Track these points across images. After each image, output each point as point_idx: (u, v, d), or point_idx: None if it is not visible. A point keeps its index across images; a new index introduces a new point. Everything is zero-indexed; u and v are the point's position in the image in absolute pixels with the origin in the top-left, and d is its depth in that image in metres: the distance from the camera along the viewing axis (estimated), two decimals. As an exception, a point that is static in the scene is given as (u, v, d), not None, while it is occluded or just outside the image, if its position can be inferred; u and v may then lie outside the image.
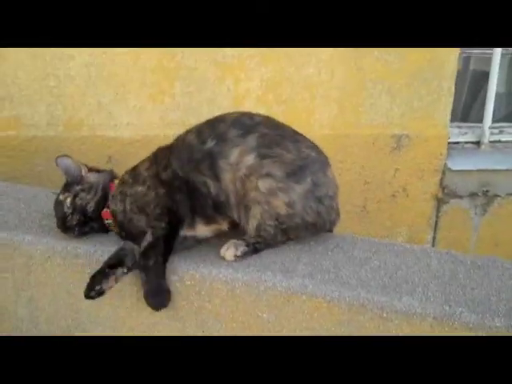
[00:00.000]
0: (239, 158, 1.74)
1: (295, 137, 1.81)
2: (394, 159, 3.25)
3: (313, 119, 3.13)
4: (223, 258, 1.78)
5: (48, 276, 1.87)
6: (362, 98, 3.13)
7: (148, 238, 1.76)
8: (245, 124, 1.78)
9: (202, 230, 1.85)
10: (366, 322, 1.64)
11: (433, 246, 3.42)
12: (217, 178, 1.76)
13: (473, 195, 3.36)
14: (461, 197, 3.36)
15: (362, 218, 3.33)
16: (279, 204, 1.73)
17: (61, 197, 1.87)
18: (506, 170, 3.34)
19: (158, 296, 1.70)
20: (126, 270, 1.77)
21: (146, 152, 1.95)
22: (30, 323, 1.94)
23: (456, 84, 3.16)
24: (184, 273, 1.75)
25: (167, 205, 1.79)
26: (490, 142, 3.49)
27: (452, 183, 3.31)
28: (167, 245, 1.75)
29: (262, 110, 2.97)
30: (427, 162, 3.27)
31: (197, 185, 1.78)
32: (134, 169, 1.90)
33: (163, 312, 1.78)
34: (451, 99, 3.18)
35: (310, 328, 1.69)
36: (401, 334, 1.62)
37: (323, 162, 1.82)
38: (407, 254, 1.85)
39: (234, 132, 1.76)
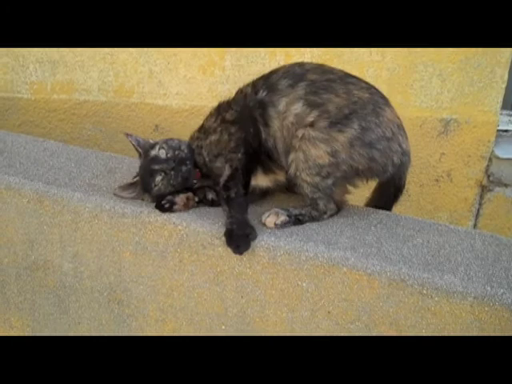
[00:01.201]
0: (287, 106, 1.77)
1: (346, 79, 1.79)
2: (440, 143, 3.20)
3: (361, 98, 3.10)
4: (264, 225, 1.80)
5: (94, 233, 1.91)
6: (412, 80, 3.09)
7: (226, 171, 1.81)
8: (295, 73, 1.80)
9: (262, 179, 1.89)
10: (405, 297, 1.65)
11: (474, 233, 3.37)
12: (267, 125, 1.80)
13: (518, 184, 3.30)
14: (506, 185, 3.30)
15: (403, 201, 3.27)
16: (320, 154, 1.72)
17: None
18: (554, 161, 3.27)
19: (242, 238, 1.71)
20: (197, 199, 1.87)
21: (192, 122, 1.99)
22: (74, 278, 2.00)
23: (509, 72, 3.10)
24: (227, 238, 1.77)
25: (241, 137, 1.83)
26: (540, 131, 3.41)
27: (498, 171, 3.25)
28: (246, 174, 1.80)
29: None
30: (474, 148, 3.22)
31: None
32: (202, 125, 1.95)
33: (203, 275, 1.82)
34: (504, 86, 3.11)
35: (348, 300, 1.70)
36: (439, 312, 1.62)
37: (377, 102, 1.76)
38: (451, 234, 1.84)
39: (284, 82, 1.79)
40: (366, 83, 1.83)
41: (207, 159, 1.87)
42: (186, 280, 1.86)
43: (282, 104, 1.77)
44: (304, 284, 1.73)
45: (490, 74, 3.09)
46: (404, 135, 1.81)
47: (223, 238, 1.73)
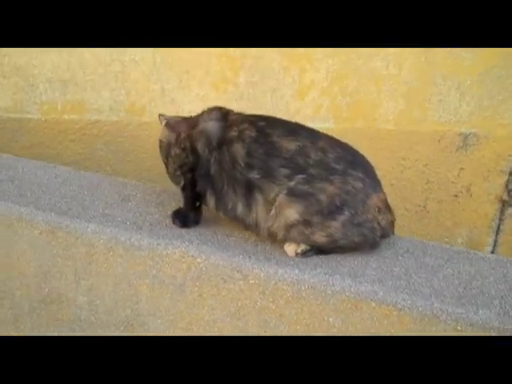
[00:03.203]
0: (276, 196, 1.70)
1: (348, 171, 1.72)
2: (459, 158, 3.12)
3: (378, 113, 3.02)
4: (286, 253, 1.76)
5: (109, 266, 1.84)
6: (430, 94, 3.01)
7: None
8: (298, 164, 1.70)
9: None
10: (438, 333, 1.57)
11: (493, 249, 3.30)
12: (248, 205, 1.75)
13: (539, 199, 3.22)
14: (527, 200, 3.23)
15: (421, 218, 3.22)
16: (318, 238, 1.72)
17: None
18: None
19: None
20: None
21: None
22: (89, 312, 1.93)
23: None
24: (248, 271, 1.70)
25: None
26: (560, 144, 3.33)
27: (518, 186, 3.18)
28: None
29: (326, 102, 2.95)
30: (494, 163, 3.14)
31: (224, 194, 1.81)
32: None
33: (224, 309, 1.75)
34: (523, 99, 3.04)
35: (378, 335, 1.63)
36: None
37: (367, 193, 1.72)
38: (481, 263, 1.77)
39: (282, 171, 1.70)
40: (367, 167, 1.78)
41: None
42: (205, 314, 1.79)
43: (273, 192, 1.71)
44: (330, 319, 1.66)
45: (510, 87, 3.02)
46: (384, 215, 1.76)
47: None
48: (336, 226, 1.69)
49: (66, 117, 2.88)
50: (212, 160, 1.80)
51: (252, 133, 1.75)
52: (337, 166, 1.70)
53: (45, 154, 2.89)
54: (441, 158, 3.13)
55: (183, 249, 1.75)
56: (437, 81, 2.99)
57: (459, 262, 1.76)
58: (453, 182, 3.19)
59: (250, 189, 1.73)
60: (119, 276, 1.84)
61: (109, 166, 2.96)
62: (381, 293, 1.61)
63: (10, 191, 2.00)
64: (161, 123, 2.04)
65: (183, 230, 1.84)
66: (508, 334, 1.51)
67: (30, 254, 1.91)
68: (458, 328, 1.55)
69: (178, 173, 1.89)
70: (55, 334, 2.01)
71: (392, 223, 1.81)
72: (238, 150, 1.75)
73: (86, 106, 2.88)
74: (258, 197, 1.72)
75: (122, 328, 1.91)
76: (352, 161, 1.74)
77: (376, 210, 1.74)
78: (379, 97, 3.01)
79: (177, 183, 1.94)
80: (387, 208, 1.78)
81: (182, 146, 1.86)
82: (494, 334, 1.52)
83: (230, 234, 1.85)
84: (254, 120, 1.80)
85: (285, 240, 1.75)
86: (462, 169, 3.15)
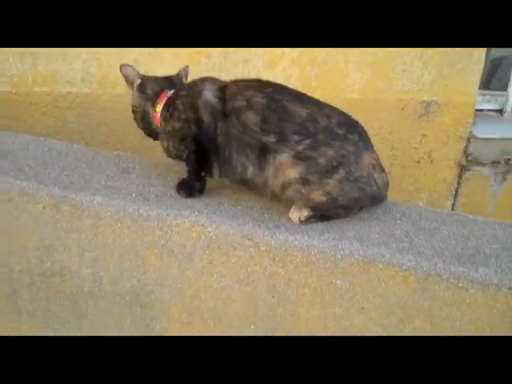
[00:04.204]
0: (284, 163, 1.78)
1: (347, 134, 1.80)
2: (421, 125, 3.26)
3: (345, 83, 3.12)
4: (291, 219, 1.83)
5: (116, 237, 1.86)
6: (394, 64, 3.12)
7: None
8: (308, 129, 1.78)
9: None
10: (440, 290, 1.68)
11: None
12: (261, 168, 1.81)
13: (494, 163, 3.41)
14: (483, 164, 3.40)
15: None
16: (317, 196, 1.78)
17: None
18: (529, 139, 3.39)
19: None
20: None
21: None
22: (93, 283, 1.94)
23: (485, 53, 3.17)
24: (259, 238, 1.76)
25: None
26: (513, 110, 3.52)
27: (475, 151, 3.34)
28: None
29: (296, 72, 3.01)
30: (453, 129, 3.30)
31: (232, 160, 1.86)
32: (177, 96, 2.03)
33: (233, 276, 1.81)
34: (481, 67, 3.19)
35: (383, 295, 1.72)
36: (474, 304, 1.66)
37: (359, 153, 1.80)
38: (472, 225, 1.88)
39: (294, 137, 1.77)
40: (361, 134, 1.85)
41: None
42: (214, 281, 1.84)
43: (283, 155, 1.78)
44: (338, 281, 1.74)
45: (468, 56, 3.16)
46: (378, 172, 1.84)
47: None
48: (332, 183, 1.76)
49: (36, 89, 2.83)
50: (219, 130, 1.84)
51: (262, 99, 1.81)
52: (339, 131, 1.79)
53: (15, 127, 2.83)
54: (404, 126, 3.26)
55: (193, 218, 1.79)
56: (401, 51, 3.10)
57: (452, 225, 1.87)
58: (415, 148, 3.33)
59: (264, 152, 1.79)
60: (126, 247, 1.86)
61: (81, 139, 2.93)
62: (387, 255, 1.70)
63: (6, 166, 1.98)
64: (125, 76, 2.06)
65: (189, 201, 1.87)
66: (505, 290, 1.63)
67: (32, 228, 1.90)
68: (460, 285, 1.66)
69: (181, 147, 1.91)
70: (56, 307, 2.02)
71: (387, 184, 1.91)
72: (251, 117, 1.80)
73: (57, 78, 2.83)
74: (271, 159, 1.78)
75: (127, 298, 1.93)
76: (351, 125, 1.83)
77: (371, 167, 1.82)
78: (346, 67, 3.11)
79: (176, 157, 1.97)
80: (381, 168, 1.87)
81: (184, 117, 1.89)
82: (492, 291, 1.64)
83: (236, 203, 1.90)
84: (259, 86, 1.86)
85: (285, 200, 1.82)
86: (424, 135, 3.29)
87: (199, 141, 1.88)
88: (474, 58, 3.16)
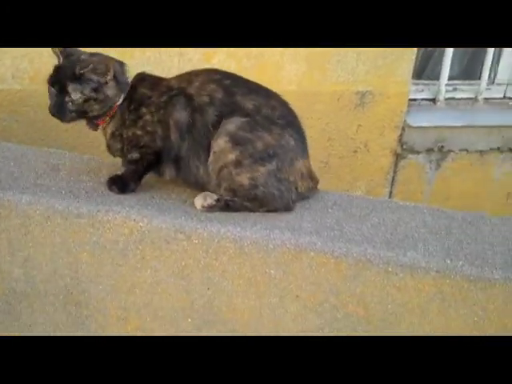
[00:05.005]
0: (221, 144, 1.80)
1: (287, 127, 1.84)
2: (357, 116, 3.31)
3: (281, 75, 3.14)
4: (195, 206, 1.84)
5: (47, 236, 1.83)
6: (330, 56, 3.16)
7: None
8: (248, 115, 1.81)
9: None
10: (371, 276, 1.72)
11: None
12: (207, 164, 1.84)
13: (429, 151, 3.48)
14: (418, 152, 3.47)
15: (324, 173, 3.37)
16: (243, 178, 1.80)
17: (70, 85, 1.81)
18: (461, 127, 3.47)
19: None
20: None
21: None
22: (26, 283, 1.91)
23: (417, 42, 3.24)
24: (192, 231, 1.76)
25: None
26: (446, 99, 3.60)
27: (410, 139, 3.41)
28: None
29: (232, 64, 3.01)
30: (388, 119, 3.35)
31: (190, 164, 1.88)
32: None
33: (167, 270, 1.81)
34: (413, 57, 3.25)
35: (316, 283, 1.75)
36: (404, 287, 1.70)
37: (296, 153, 1.85)
38: (402, 211, 1.93)
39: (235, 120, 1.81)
40: (301, 127, 1.91)
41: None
42: (148, 276, 1.83)
43: (218, 141, 1.81)
44: (272, 271, 1.76)
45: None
46: (304, 181, 1.89)
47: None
48: (262, 171, 1.79)
49: (-36, 87, 2.75)
50: (184, 145, 1.86)
51: (219, 94, 1.83)
52: (279, 122, 1.82)
53: None
54: (340, 116, 3.30)
55: (124, 214, 1.78)
56: (335, 43, 3.12)
57: (383, 211, 1.92)
58: (352, 139, 3.37)
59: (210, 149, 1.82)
60: (57, 245, 1.84)
61: (14, 137, 2.86)
62: (319, 243, 1.73)
63: None
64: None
65: (121, 196, 1.86)
66: (433, 273, 1.68)
67: (-43, 229, 1.86)
68: (389, 270, 1.70)
69: (135, 154, 1.89)
70: (-12, 309, 1.98)
71: (312, 188, 1.95)
72: (211, 115, 1.83)
73: (-14, 75, 2.76)
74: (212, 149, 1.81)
75: (61, 297, 1.91)
76: (292, 121, 1.86)
77: (299, 175, 1.87)
78: (282, 59, 3.12)
79: (120, 156, 1.95)
80: (309, 175, 1.92)
81: (150, 130, 1.87)
82: (420, 274, 1.69)
83: (168, 197, 1.89)
84: (219, 79, 1.87)
85: (217, 184, 1.84)
86: (359, 125, 3.34)
87: (159, 154, 1.88)
88: (407, 49, 3.22)
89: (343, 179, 3.46)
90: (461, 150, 3.53)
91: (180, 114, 1.85)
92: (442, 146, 3.48)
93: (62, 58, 1.85)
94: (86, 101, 1.81)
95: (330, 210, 1.89)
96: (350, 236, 1.76)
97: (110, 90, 1.84)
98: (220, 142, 1.79)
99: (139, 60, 2.90)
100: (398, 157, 3.47)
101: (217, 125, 1.82)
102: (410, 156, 3.48)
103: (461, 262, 1.69)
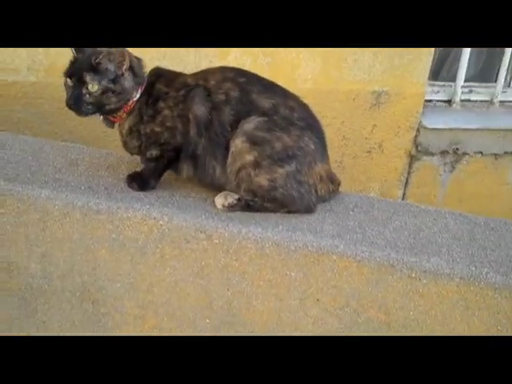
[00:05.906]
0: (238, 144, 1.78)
1: (307, 129, 1.82)
2: (372, 115, 3.29)
3: (297, 73, 3.11)
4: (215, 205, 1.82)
5: (65, 232, 1.81)
6: (346, 54, 3.13)
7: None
8: (266, 114, 1.80)
9: None
10: (394, 281, 1.69)
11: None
12: (224, 165, 1.82)
13: (443, 153, 3.45)
14: (432, 154, 3.45)
15: (338, 173, 3.31)
16: (262, 179, 1.78)
17: (87, 76, 1.77)
18: (476, 129, 3.44)
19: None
20: None
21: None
22: (43, 279, 1.89)
23: (435, 43, 3.21)
24: (212, 231, 1.74)
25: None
26: (461, 100, 3.57)
27: (425, 141, 3.39)
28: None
29: (248, 61, 2.98)
30: (403, 119, 3.33)
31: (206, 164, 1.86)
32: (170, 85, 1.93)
33: (187, 269, 1.78)
34: (430, 58, 3.23)
35: (337, 286, 1.73)
36: (427, 294, 1.68)
37: (315, 157, 1.82)
38: (423, 215, 1.91)
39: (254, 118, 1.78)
40: (322, 133, 1.89)
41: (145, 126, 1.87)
42: (167, 275, 1.81)
43: (236, 142, 1.79)
44: (292, 273, 1.74)
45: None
46: (324, 185, 1.87)
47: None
48: (281, 172, 1.77)
49: (-20, 78, 2.73)
50: (202, 141, 1.83)
51: (235, 93, 1.80)
52: (298, 123, 1.79)
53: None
54: (355, 116, 3.28)
55: (144, 211, 1.76)
56: (352, 41, 3.09)
57: (404, 215, 1.89)
58: (366, 139, 3.35)
59: (228, 149, 1.79)
60: (76, 241, 1.81)
61: (28, 129, 2.85)
62: (341, 246, 1.70)
63: None
64: None
65: (141, 193, 1.84)
66: (457, 280, 1.66)
67: (-25, 223, 1.84)
68: (413, 275, 1.67)
69: (155, 151, 1.86)
70: (3, 304, 1.96)
71: (333, 191, 1.93)
72: (227, 114, 1.80)
73: (2, 66, 2.74)
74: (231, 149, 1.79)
75: (78, 294, 1.89)
76: (312, 124, 1.83)
77: (318, 178, 1.84)
78: (298, 57, 3.10)
79: (138, 154, 1.93)
80: (329, 178, 1.89)
81: (170, 126, 1.83)
82: (444, 280, 1.66)
83: (188, 195, 1.87)
84: (234, 77, 1.84)
85: (236, 185, 1.81)
86: (374, 125, 3.32)
87: (179, 150, 1.85)
88: (424, 50, 3.19)
89: (357, 179, 3.44)
90: (475, 153, 3.50)
91: (199, 109, 1.82)
92: (457, 149, 3.45)
93: (77, 53, 1.82)
94: (103, 92, 1.77)
95: (351, 213, 1.87)
96: (372, 240, 1.74)
97: (128, 82, 1.81)
98: (237, 142, 1.76)
99: (155, 54, 2.87)
100: (412, 158, 3.44)
101: (234, 124, 1.79)
102: (425, 158, 3.45)
103: (485, 270, 1.66)
